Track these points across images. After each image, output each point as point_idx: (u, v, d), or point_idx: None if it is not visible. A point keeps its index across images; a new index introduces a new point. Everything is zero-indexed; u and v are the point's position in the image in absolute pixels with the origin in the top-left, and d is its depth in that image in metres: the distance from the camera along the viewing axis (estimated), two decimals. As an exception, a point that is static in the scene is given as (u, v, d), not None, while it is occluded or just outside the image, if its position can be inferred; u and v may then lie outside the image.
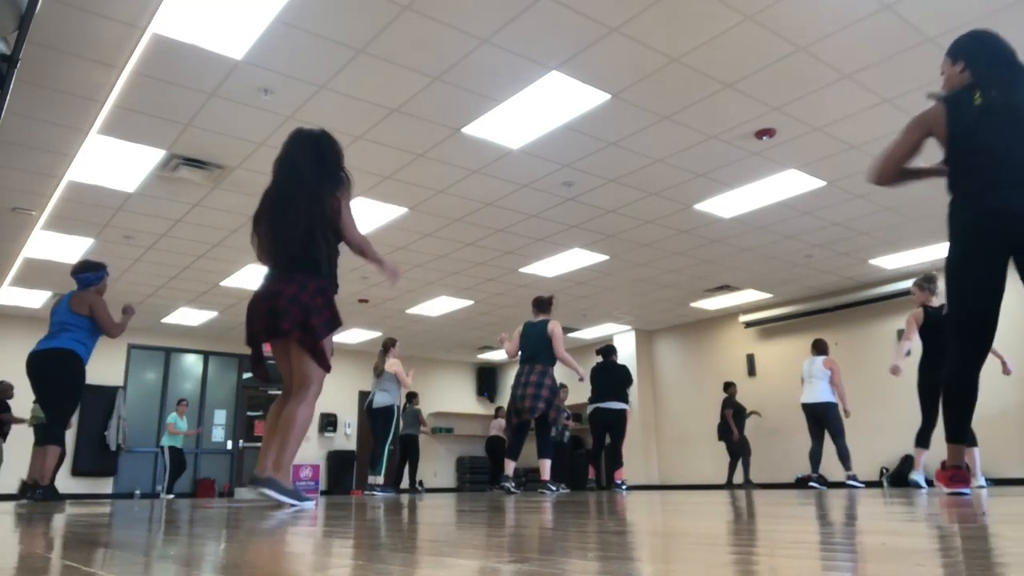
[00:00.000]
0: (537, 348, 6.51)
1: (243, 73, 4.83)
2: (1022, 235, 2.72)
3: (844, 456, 7.41)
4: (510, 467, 6.57)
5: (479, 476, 14.72)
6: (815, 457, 7.63)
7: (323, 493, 8.05)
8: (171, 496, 9.79)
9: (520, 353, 6.64)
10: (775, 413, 10.88)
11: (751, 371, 11.58)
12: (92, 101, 5.12)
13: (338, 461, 13.38)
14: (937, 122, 2.98)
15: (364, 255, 3.39)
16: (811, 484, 7.52)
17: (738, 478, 10.15)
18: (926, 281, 6.02)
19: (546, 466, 6.54)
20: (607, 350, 8.47)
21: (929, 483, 5.86)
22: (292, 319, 3.07)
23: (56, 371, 5.10)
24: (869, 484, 8.14)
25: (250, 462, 12.74)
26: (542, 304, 6.71)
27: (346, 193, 3.32)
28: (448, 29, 4.43)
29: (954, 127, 2.92)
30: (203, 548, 1.33)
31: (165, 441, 10.49)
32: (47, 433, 5.24)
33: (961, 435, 2.99)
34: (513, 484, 6.46)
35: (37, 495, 5.19)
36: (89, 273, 5.37)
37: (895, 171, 3.10)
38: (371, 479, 7.70)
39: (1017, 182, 2.77)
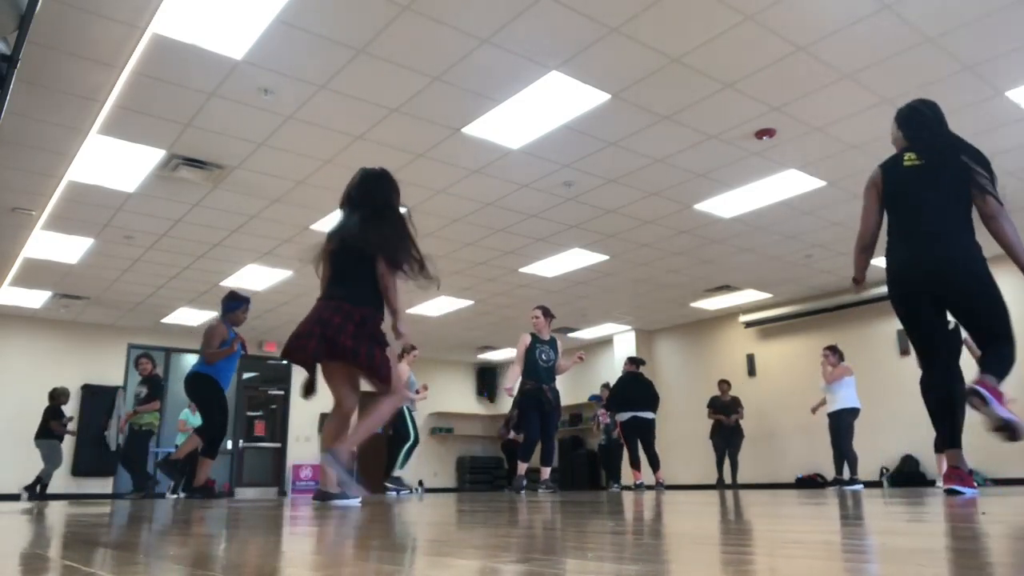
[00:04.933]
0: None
1: (243, 73, 4.82)
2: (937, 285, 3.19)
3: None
4: (545, 472, 6.83)
5: (479, 476, 14.73)
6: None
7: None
8: (183, 495, 9.84)
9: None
10: (775, 413, 10.87)
11: (751, 371, 11.58)
12: (92, 101, 5.12)
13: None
14: (876, 182, 3.46)
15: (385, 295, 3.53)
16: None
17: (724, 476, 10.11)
18: None
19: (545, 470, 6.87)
20: (639, 360, 9.17)
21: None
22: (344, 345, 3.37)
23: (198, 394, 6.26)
24: (869, 484, 8.13)
25: (250, 462, 12.73)
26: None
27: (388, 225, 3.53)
28: (448, 29, 4.42)
29: (888, 186, 3.39)
30: (208, 547, 1.32)
31: (179, 439, 10.46)
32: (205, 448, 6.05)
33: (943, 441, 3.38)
34: (544, 486, 6.74)
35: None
36: (231, 303, 6.24)
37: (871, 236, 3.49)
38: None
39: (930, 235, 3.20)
